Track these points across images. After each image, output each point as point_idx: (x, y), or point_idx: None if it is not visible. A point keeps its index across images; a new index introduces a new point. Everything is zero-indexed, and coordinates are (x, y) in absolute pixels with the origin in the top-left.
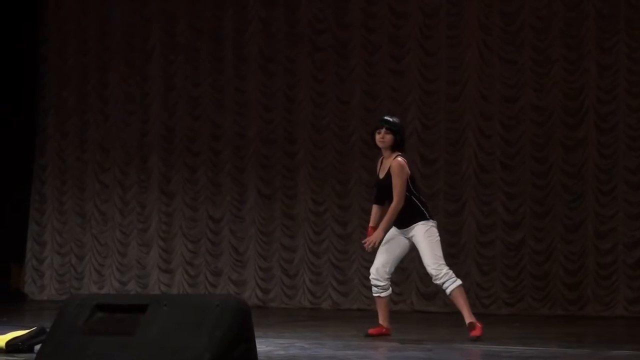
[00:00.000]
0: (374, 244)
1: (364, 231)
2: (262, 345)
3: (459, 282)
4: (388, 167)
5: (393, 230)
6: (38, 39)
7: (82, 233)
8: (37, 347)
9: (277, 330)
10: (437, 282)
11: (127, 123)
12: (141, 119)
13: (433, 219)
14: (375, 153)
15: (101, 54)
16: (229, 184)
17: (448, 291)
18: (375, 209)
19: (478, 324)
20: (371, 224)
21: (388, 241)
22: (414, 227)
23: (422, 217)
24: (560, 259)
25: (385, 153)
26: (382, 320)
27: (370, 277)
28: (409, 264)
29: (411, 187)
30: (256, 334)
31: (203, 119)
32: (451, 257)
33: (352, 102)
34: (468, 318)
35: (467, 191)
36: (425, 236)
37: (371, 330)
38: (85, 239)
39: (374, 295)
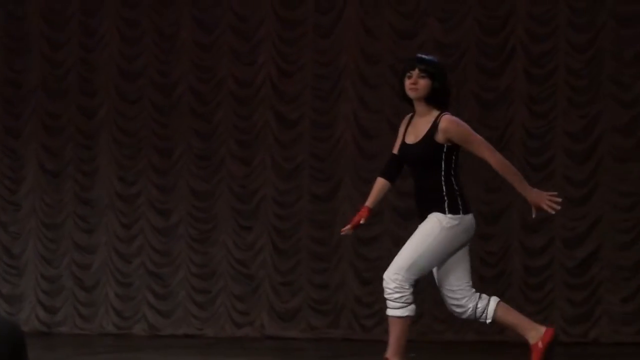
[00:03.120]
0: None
1: (194, 223)
2: None
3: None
4: (427, 129)
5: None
6: None
7: None
8: None
9: None
10: (385, 296)
11: None
12: None
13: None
14: (209, 110)
15: None
16: None
17: (391, 313)
18: (379, 184)
19: None
20: (368, 202)
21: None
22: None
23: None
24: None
25: (420, 107)
26: None
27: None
28: (259, 270)
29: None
30: None
31: None
32: (319, 260)
33: (178, 35)
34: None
35: (342, 169)
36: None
37: None
38: None
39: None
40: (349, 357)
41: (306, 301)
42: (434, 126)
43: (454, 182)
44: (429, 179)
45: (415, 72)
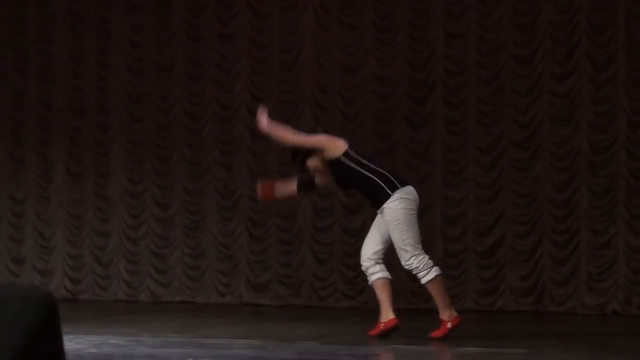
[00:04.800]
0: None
1: (188, 214)
2: (72, 343)
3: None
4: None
5: None
6: None
7: None
8: None
9: (89, 325)
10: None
11: None
12: None
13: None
14: (199, 127)
15: None
16: (33, 159)
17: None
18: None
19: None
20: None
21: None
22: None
23: (385, 196)
24: None
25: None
26: None
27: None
28: (238, 251)
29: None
30: (65, 330)
31: (4, 85)
32: (284, 243)
33: (173, 69)
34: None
35: None
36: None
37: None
38: None
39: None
40: (308, 320)
41: (275, 276)
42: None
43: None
44: None
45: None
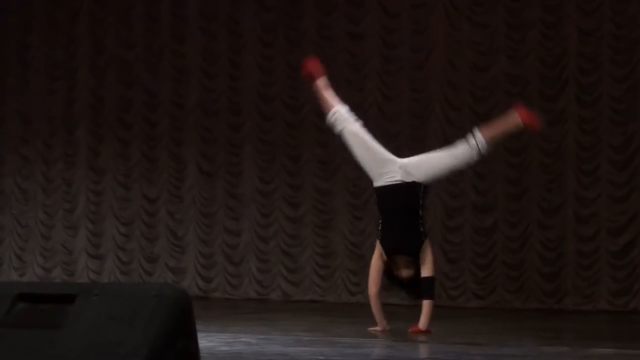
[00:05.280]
0: None
1: (317, 213)
2: (204, 341)
3: None
4: None
5: None
6: None
7: (0, 213)
8: None
9: (221, 323)
10: None
11: (51, 90)
12: (67, 86)
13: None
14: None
15: (21, 11)
16: (166, 159)
17: None
18: None
19: None
20: None
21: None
22: None
23: None
24: (537, 247)
25: None
26: None
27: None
28: (368, 251)
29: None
30: (197, 327)
31: (137, 86)
32: None
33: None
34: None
35: None
36: None
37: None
38: (4, 220)
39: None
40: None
41: None
42: None
43: None
44: None
45: None
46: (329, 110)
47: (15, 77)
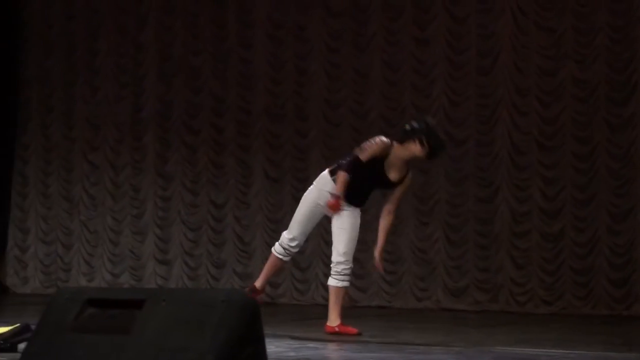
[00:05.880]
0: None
1: None
2: (271, 346)
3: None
4: (402, 175)
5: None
6: (19, 0)
7: (69, 219)
8: (22, 345)
9: (288, 329)
10: (335, 268)
11: (118, 97)
12: (134, 93)
13: None
14: (396, 132)
15: (89, 18)
16: (233, 165)
17: (334, 284)
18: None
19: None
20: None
21: (312, 209)
22: (357, 210)
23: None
24: (605, 252)
25: (405, 156)
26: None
27: (286, 239)
28: (435, 256)
29: None
30: (265, 333)
31: (204, 92)
32: (482, 248)
33: (370, 74)
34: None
35: (501, 175)
36: (356, 224)
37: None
38: (73, 225)
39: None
40: (505, 326)
41: (472, 281)
42: (405, 175)
43: None
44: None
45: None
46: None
47: (83, 84)
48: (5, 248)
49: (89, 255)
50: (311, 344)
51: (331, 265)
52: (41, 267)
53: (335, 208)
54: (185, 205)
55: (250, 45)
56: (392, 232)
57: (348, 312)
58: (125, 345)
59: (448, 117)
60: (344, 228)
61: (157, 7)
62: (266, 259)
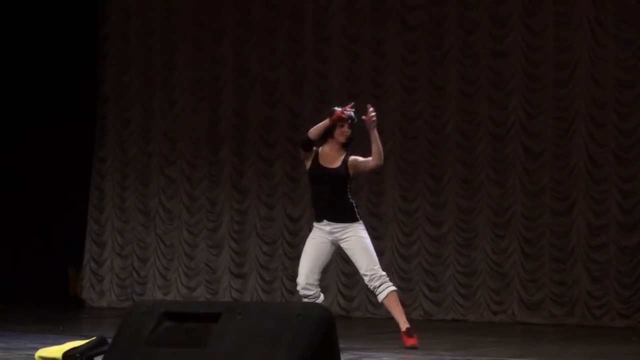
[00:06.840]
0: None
1: (460, 232)
2: None
3: (394, 287)
4: (341, 160)
5: (320, 233)
6: (98, 17)
7: (145, 233)
8: (97, 358)
9: (362, 342)
10: (372, 284)
11: (195, 111)
12: (211, 107)
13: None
14: (472, 145)
15: (167, 33)
16: None
17: (383, 295)
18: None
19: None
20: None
21: (314, 246)
22: (349, 228)
23: (356, 219)
24: None
25: (335, 146)
26: None
27: (299, 287)
28: (510, 269)
29: (349, 187)
30: (340, 346)
31: (280, 106)
32: (558, 261)
33: (447, 87)
34: (404, 324)
35: (577, 188)
36: (362, 237)
37: None
38: (149, 239)
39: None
40: (582, 339)
41: (548, 294)
42: (345, 160)
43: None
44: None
45: (347, 125)
46: None
47: (160, 98)
48: (81, 262)
49: (165, 269)
50: (386, 357)
51: (369, 287)
52: (117, 280)
53: (340, 114)
54: (261, 219)
55: (327, 59)
56: (467, 245)
57: (422, 325)
58: (202, 358)
59: (524, 129)
60: (352, 249)
61: (233, 22)
62: (341, 272)
